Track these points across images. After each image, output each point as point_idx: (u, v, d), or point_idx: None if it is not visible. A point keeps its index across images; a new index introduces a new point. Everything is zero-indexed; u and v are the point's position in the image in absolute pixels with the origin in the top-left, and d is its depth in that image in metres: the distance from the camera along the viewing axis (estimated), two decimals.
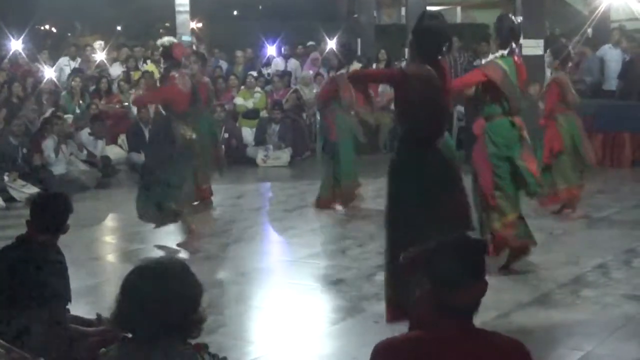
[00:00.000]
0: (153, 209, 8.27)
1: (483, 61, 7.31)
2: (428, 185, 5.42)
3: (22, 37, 16.77)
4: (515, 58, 7.02)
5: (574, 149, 9.16)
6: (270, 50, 18.11)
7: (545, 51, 9.57)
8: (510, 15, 7.85)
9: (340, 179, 9.90)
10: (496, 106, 6.91)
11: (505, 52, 6.93)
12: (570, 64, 10.13)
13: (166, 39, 8.73)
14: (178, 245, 8.21)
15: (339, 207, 10.01)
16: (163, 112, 8.90)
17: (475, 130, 7.17)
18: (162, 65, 8.99)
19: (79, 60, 16.39)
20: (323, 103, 10.31)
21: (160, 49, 8.66)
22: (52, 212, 4.63)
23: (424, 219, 5.26)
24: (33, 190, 10.41)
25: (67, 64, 16.12)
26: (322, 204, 10.01)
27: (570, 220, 9.11)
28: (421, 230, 4.97)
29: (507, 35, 6.99)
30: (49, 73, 15.10)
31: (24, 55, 16.27)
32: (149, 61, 16.35)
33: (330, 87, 10.15)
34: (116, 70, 16.36)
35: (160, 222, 8.40)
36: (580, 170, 9.30)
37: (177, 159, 8.24)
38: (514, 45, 7.06)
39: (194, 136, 8.41)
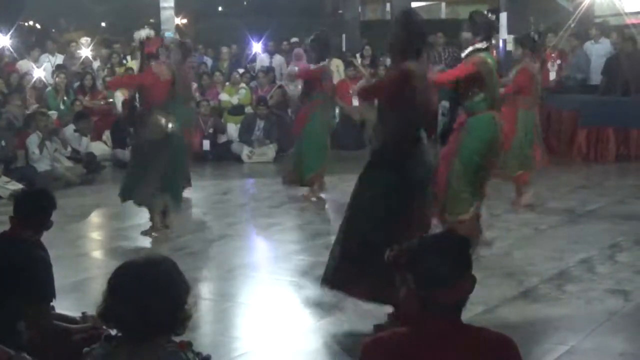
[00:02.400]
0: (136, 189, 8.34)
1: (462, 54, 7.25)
2: (409, 182, 5.44)
3: (9, 33, 16.67)
4: (494, 53, 7.05)
5: (521, 149, 9.12)
6: (256, 46, 18.07)
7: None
8: (484, 11, 7.86)
9: (304, 172, 10.01)
10: (481, 101, 6.94)
11: (484, 45, 6.94)
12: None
13: (144, 33, 8.57)
14: (142, 233, 8.44)
15: (310, 194, 10.22)
16: (138, 104, 8.75)
17: (455, 125, 7.21)
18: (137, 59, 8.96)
19: (58, 55, 16.31)
20: (304, 90, 10.28)
21: (137, 42, 8.61)
22: (35, 208, 4.60)
23: (394, 214, 5.36)
24: (17, 186, 10.34)
25: (48, 61, 16.03)
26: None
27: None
28: (384, 224, 5.27)
29: (488, 29, 7.02)
30: (38, 72, 14.98)
31: (12, 50, 16.18)
32: (129, 57, 16.27)
33: (315, 73, 10.07)
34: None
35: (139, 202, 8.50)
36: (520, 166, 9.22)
37: (150, 150, 8.25)
38: (493, 40, 7.08)
39: (170, 126, 8.30)
